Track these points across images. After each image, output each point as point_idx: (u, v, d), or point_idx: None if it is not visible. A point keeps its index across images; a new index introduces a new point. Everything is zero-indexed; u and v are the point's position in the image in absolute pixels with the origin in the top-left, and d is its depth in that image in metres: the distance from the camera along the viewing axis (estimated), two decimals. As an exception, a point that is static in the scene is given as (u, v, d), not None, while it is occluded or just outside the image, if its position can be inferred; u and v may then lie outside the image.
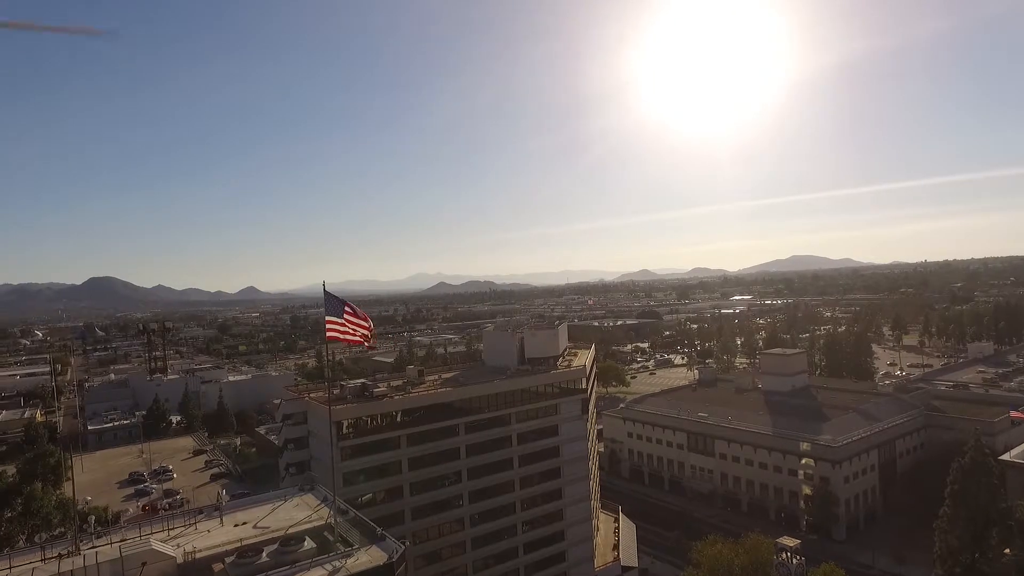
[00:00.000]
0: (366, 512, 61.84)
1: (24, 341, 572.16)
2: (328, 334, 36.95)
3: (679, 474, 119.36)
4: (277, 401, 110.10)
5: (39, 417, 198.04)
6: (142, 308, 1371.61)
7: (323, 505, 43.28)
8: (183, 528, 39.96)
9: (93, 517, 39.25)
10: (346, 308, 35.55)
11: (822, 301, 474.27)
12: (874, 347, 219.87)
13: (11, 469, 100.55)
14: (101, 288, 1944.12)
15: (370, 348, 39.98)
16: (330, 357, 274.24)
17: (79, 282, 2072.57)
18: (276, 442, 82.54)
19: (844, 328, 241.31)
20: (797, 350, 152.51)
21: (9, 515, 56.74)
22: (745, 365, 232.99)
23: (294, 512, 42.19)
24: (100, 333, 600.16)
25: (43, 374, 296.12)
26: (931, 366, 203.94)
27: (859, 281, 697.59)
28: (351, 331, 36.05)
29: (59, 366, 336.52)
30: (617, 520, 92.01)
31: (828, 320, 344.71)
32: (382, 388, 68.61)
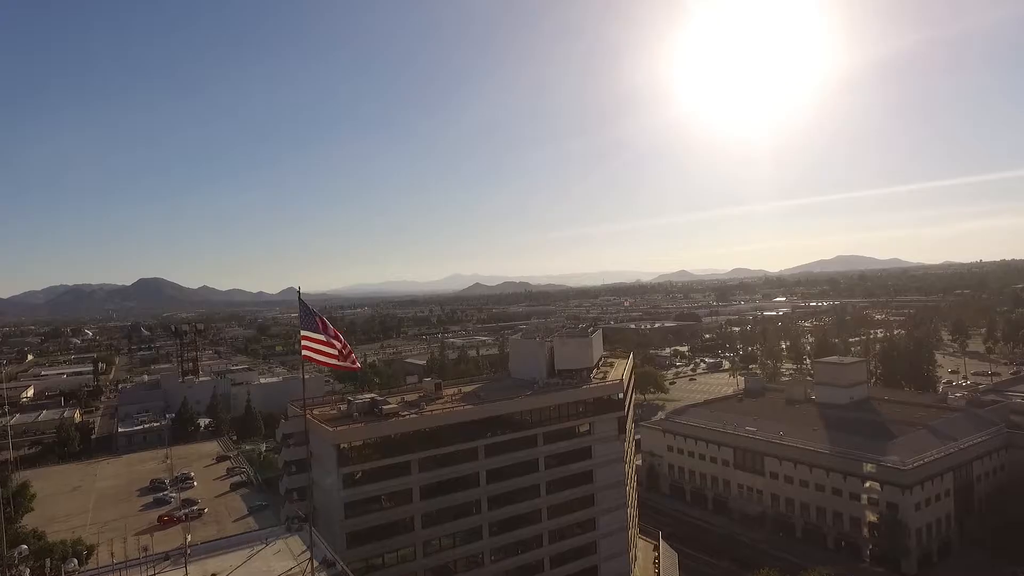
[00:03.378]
0: (371, 547, 55.43)
1: (75, 340, 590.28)
2: (303, 352, 30.07)
3: (724, 493, 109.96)
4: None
5: (77, 417, 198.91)
6: (188, 308, 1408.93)
7: (308, 552, 36.35)
8: (141, 581, 33.62)
9: (28, 569, 33.06)
10: (319, 322, 28.71)
11: (871, 303, 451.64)
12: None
13: None
14: (149, 289, 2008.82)
15: (346, 368, 33.00)
16: (362, 359, 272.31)
17: (129, 283, 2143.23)
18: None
19: (901, 332, 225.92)
20: (856, 358, 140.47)
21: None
22: (792, 371, 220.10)
23: (273, 561, 35.54)
24: (146, 333, 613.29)
25: (88, 373, 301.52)
26: (999, 375, 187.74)
27: (910, 282, 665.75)
28: (326, 350, 29.11)
29: (104, 365, 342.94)
30: (657, 547, 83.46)
31: (879, 323, 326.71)
32: (392, 405, 61.73)
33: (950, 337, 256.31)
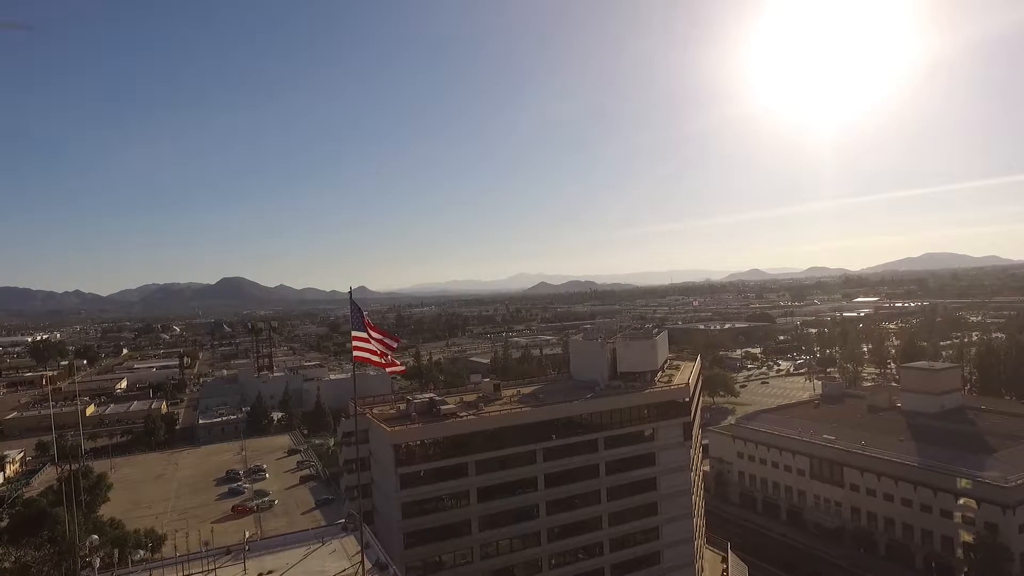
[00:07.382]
0: (428, 548, 55.22)
1: (164, 336, 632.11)
2: (355, 353, 29.67)
3: (799, 504, 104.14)
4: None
5: (164, 409, 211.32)
6: (266, 306, 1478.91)
7: (362, 554, 36.10)
8: (201, 573, 34.28)
9: (98, 559, 34.32)
10: (367, 322, 28.21)
11: (965, 304, 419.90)
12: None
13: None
14: (231, 287, 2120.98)
15: (392, 372, 32.39)
16: (427, 356, 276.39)
17: (213, 282, 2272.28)
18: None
19: (1000, 336, 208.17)
20: (948, 364, 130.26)
21: (37, 542, 54.98)
22: (874, 376, 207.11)
23: (328, 561, 35.53)
24: (227, 329, 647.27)
25: (174, 367, 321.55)
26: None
27: (1009, 281, 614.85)
28: (378, 350, 28.56)
29: (189, 360, 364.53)
30: (725, 559, 79.77)
31: (974, 326, 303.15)
32: (451, 405, 61.50)
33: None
